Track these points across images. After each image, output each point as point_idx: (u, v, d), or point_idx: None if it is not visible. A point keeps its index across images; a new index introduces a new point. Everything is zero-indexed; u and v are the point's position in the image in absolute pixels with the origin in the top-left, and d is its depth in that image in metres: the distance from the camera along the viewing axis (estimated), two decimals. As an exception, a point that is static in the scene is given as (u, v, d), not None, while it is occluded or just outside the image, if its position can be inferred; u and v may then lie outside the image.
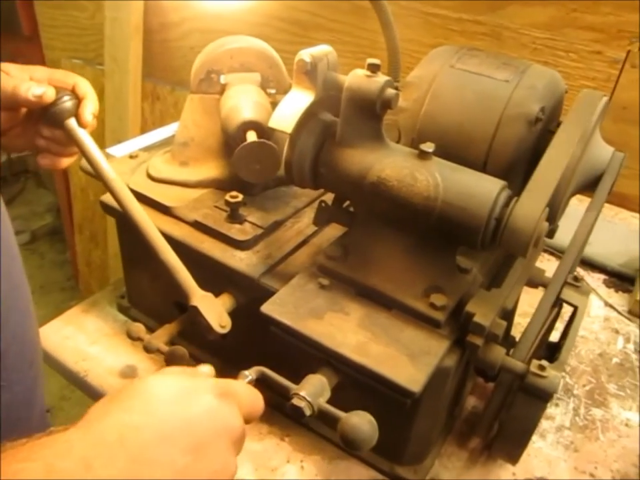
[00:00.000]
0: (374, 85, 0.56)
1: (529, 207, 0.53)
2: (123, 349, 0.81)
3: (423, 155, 0.57)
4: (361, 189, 0.59)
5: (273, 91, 0.76)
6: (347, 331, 0.57)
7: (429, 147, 0.57)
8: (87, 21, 1.55)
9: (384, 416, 0.60)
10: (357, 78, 0.57)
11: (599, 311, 0.97)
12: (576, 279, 0.70)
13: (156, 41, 1.45)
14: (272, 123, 0.59)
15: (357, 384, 0.55)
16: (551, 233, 0.75)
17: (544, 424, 0.76)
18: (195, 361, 0.78)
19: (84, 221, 1.91)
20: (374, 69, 0.56)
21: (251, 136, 0.67)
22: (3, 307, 0.54)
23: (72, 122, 0.65)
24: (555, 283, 0.62)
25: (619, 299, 1.00)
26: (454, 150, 0.65)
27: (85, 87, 0.67)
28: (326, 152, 0.61)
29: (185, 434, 0.38)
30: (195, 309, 0.64)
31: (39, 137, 0.68)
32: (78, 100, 0.66)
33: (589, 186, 0.67)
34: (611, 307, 0.98)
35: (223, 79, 0.75)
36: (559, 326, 0.91)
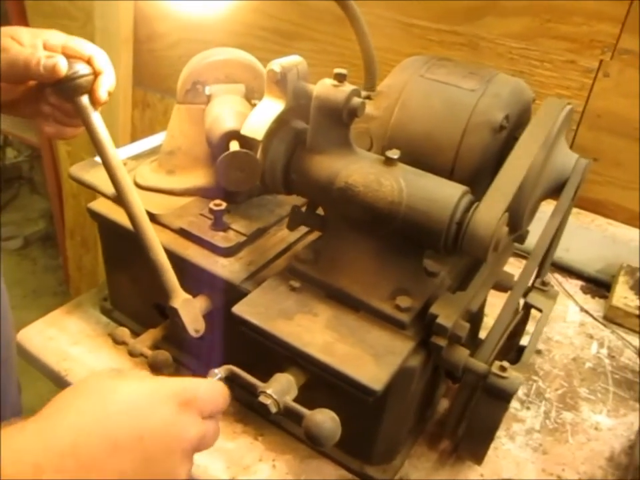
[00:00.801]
0: (340, 94, 0.58)
1: (488, 212, 0.55)
2: (105, 350, 0.83)
3: (389, 162, 0.59)
4: (330, 194, 0.61)
5: (257, 102, 0.78)
6: (315, 331, 0.59)
7: (394, 153, 0.59)
8: (77, 30, 1.57)
9: (352, 415, 0.61)
10: (324, 87, 0.59)
11: (574, 316, 0.99)
12: (544, 283, 0.72)
13: (144, 50, 1.47)
14: (244, 130, 0.61)
15: (324, 383, 0.57)
16: (520, 238, 0.77)
17: (514, 426, 0.77)
18: (178, 364, 0.80)
19: (75, 227, 1.93)
20: (341, 78, 0.58)
21: (234, 146, 0.69)
22: None
23: (84, 99, 0.61)
24: (518, 287, 0.64)
25: (594, 305, 1.02)
26: (423, 157, 0.67)
27: (103, 61, 0.62)
28: (297, 158, 0.63)
29: (136, 445, 0.38)
30: (175, 310, 0.66)
31: (45, 104, 0.64)
32: (94, 74, 0.61)
33: (556, 192, 0.69)
34: (587, 312, 1.00)
35: (207, 90, 0.77)
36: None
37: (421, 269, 0.64)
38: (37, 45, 0.60)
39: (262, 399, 0.55)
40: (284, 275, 0.66)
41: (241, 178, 0.64)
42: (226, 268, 0.70)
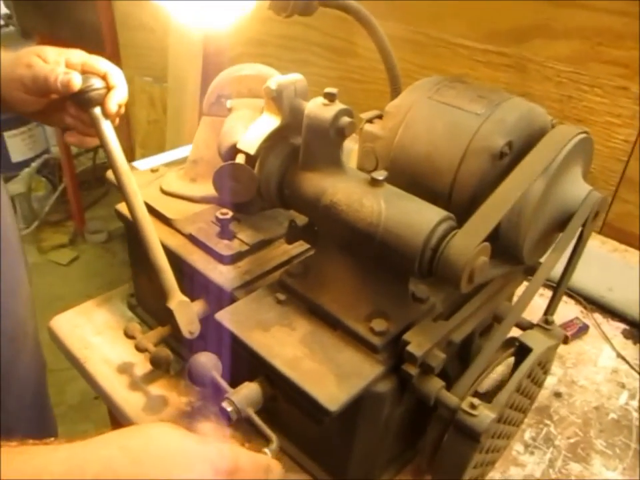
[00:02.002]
0: (328, 113, 0.58)
1: (464, 241, 0.53)
2: (122, 343, 0.88)
3: (374, 182, 0.59)
4: (317, 211, 0.62)
5: None
6: (287, 344, 0.60)
7: (380, 174, 0.59)
8: (156, 43, 1.69)
9: (324, 432, 0.62)
10: (314, 106, 0.60)
11: (608, 361, 0.92)
12: (547, 321, 0.67)
13: (213, 63, 1.55)
14: (240, 144, 0.63)
15: (289, 398, 0.57)
16: (531, 270, 0.73)
17: (511, 470, 0.73)
18: (181, 360, 0.84)
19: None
20: (331, 97, 0.59)
21: (240, 159, 0.72)
22: None
23: (97, 111, 0.69)
24: (506, 324, 0.60)
25: (634, 352, 0.94)
26: (422, 180, 0.66)
27: (116, 77, 0.69)
28: (290, 174, 0.64)
29: None
30: (171, 312, 0.69)
31: (67, 115, 0.73)
32: (107, 89, 0.69)
33: (564, 224, 0.65)
34: (623, 359, 0.92)
35: (228, 104, 0.81)
36: (559, 371, 0.88)
37: (406, 293, 0.62)
38: (59, 62, 0.68)
39: (224, 404, 0.56)
40: (273, 287, 0.67)
41: (237, 190, 0.66)
42: (222, 275, 0.72)
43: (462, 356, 0.67)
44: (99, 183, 2.90)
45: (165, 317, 0.74)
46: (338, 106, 0.59)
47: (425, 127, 0.66)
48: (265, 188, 0.65)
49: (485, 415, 0.55)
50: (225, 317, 0.62)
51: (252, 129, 0.64)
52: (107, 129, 0.71)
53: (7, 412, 0.67)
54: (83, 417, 2.00)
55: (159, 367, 0.76)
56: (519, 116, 0.63)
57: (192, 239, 0.77)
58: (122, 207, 0.85)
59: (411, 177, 0.66)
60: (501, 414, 0.56)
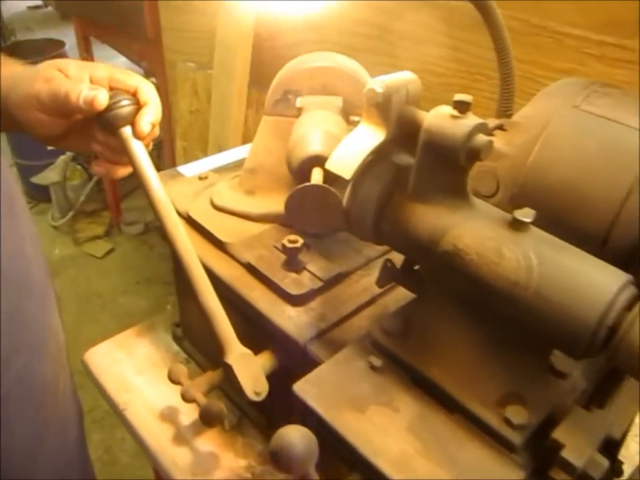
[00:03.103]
0: (460, 129, 0.43)
1: (661, 318, 0.38)
2: (166, 383, 0.74)
3: (517, 225, 0.44)
4: (432, 256, 0.47)
5: (357, 119, 0.66)
6: (392, 435, 0.45)
7: (526, 214, 0.44)
8: (203, 26, 1.55)
9: None
10: (438, 118, 0.44)
11: None
12: None
13: (265, 48, 1.40)
14: (330, 164, 0.48)
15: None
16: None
17: None
18: (241, 414, 0.70)
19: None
20: (462, 108, 0.43)
21: (316, 175, 0.57)
22: (3, 345, 0.48)
23: (126, 130, 0.58)
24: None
25: None
26: (565, 216, 0.50)
27: (148, 93, 0.59)
28: (394, 205, 0.49)
29: None
30: (229, 368, 0.56)
31: (94, 142, 0.61)
32: (137, 106, 0.58)
33: None
34: None
35: (299, 102, 0.66)
36: None
37: (545, 369, 0.47)
38: (82, 78, 0.57)
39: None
40: (363, 345, 0.52)
41: (315, 220, 0.51)
42: (292, 320, 0.58)
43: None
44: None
45: (217, 357, 0.60)
46: (472, 120, 0.43)
47: (572, 146, 0.50)
48: (357, 219, 0.51)
49: None
50: (305, 390, 0.48)
51: (345, 145, 0.49)
52: (139, 151, 0.58)
53: None
54: (120, 421, 1.91)
55: (210, 424, 0.63)
56: None
57: (251, 269, 0.63)
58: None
59: (548, 211, 0.50)
60: None
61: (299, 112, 0.65)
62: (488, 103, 0.93)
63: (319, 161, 0.57)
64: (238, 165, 0.80)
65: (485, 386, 0.46)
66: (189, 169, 0.79)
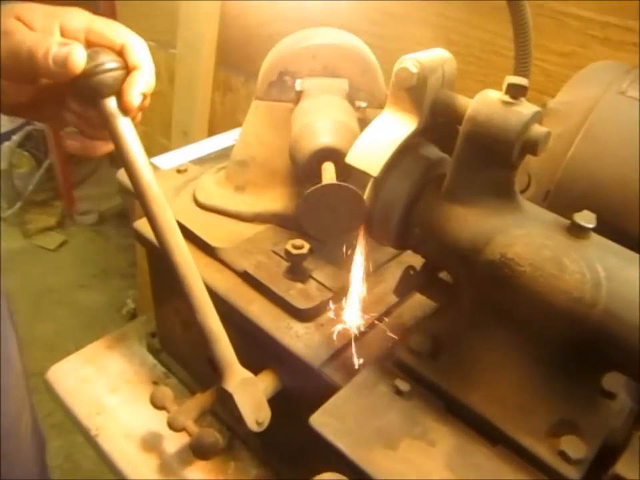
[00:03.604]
0: (515, 118, 0.36)
1: None
2: (145, 406, 0.66)
3: (577, 231, 0.38)
4: (473, 267, 0.40)
5: (363, 104, 0.58)
6: (429, 472, 0.39)
7: (587, 220, 0.37)
8: (162, 0, 1.43)
9: None
10: (487, 105, 0.37)
11: None
12: None
13: (234, 26, 1.30)
14: (351, 159, 0.41)
15: None
16: None
17: None
18: (234, 440, 0.63)
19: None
20: (517, 92, 0.37)
21: (328, 170, 0.49)
22: None
23: (110, 103, 0.45)
24: None
25: None
26: (610, 217, 0.44)
27: (139, 52, 0.45)
28: (425, 205, 0.42)
29: None
30: (229, 396, 0.48)
31: (67, 110, 0.48)
32: (125, 70, 0.45)
33: None
34: None
35: (298, 85, 0.58)
36: None
37: (597, 392, 0.42)
38: (50, 29, 0.43)
39: None
40: (385, 367, 0.46)
41: (333, 223, 0.44)
42: (301, 339, 0.50)
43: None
44: (88, 158, 2.63)
45: (204, 374, 0.53)
46: (528, 107, 0.37)
47: (618, 137, 0.45)
48: (382, 222, 0.44)
49: None
50: (324, 424, 0.41)
51: (369, 135, 0.41)
52: (126, 130, 0.46)
53: None
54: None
55: (203, 457, 0.55)
56: None
57: (248, 278, 0.55)
58: (141, 225, 0.62)
59: (588, 207, 0.45)
60: None
61: (298, 96, 0.57)
62: (479, 87, 0.88)
63: (331, 154, 0.49)
64: (221, 155, 0.72)
65: (534, 413, 0.40)
66: (164, 161, 0.70)
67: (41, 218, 2.43)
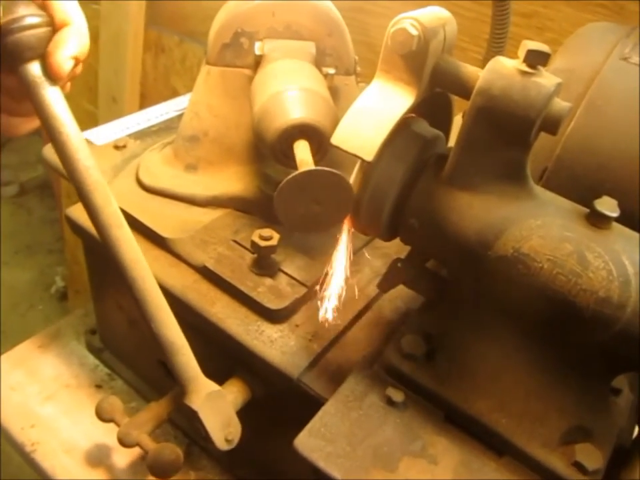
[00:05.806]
0: (536, 91, 0.31)
1: None
2: (88, 414, 0.58)
3: (599, 221, 0.33)
4: (480, 263, 0.35)
5: (331, 71, 0.51)
6: (435, 496, 0.35)
7: (610, 208, 0.33)
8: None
9: None
10: (502, 75, 0.32)
11: None
12: None
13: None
14: (338, 140, 0.34)
15: None
16: None
17: None
18: (199, 451, 0.57)
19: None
20: (537, 60, 0.31)
21: (302, 150, 0.42)
22: None
23: (33, 69, 0.38)
24: None
25: None
26: (615, 196, 0.40)
27: (68, 7, 0.38)
28: (423, 192, 0.36)
29: None
30: (194, 414, 0.41)
31: None
32: (51, 28, 0.38)
33: None
34: None
35: (258, 48, 0.50)
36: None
37: (607, 393, 0.38)
38: None
39: None
40: (375, 373, 0.40)
41: (316, 214, 0.37)
42: (275, 345, 0.44)
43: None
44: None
45: (153, 373, 0.46)
46: (549, 78, 0.31)
47: (623, 108, 0.41)
48: (371, 211, 0.38)
49: None
50: (312, 447, 0.36)
51: (357, 110, 0.35)
52: (55, 101, 0.38)
53: None
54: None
55: (163, 476, 0.48)
56: None
57: (208, 274, 0.48)
58: (75, 212, 0.53)
59: (591, 190, 0.41)
60: None
61: (257, 61, 0.49)
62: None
63: (305, 131, 0.42)
64: (164, 127, 0.63)
65: (544, 420, 0.37)
66: (98, 135, 0.60)
67: (-49, 191, 2.20)
